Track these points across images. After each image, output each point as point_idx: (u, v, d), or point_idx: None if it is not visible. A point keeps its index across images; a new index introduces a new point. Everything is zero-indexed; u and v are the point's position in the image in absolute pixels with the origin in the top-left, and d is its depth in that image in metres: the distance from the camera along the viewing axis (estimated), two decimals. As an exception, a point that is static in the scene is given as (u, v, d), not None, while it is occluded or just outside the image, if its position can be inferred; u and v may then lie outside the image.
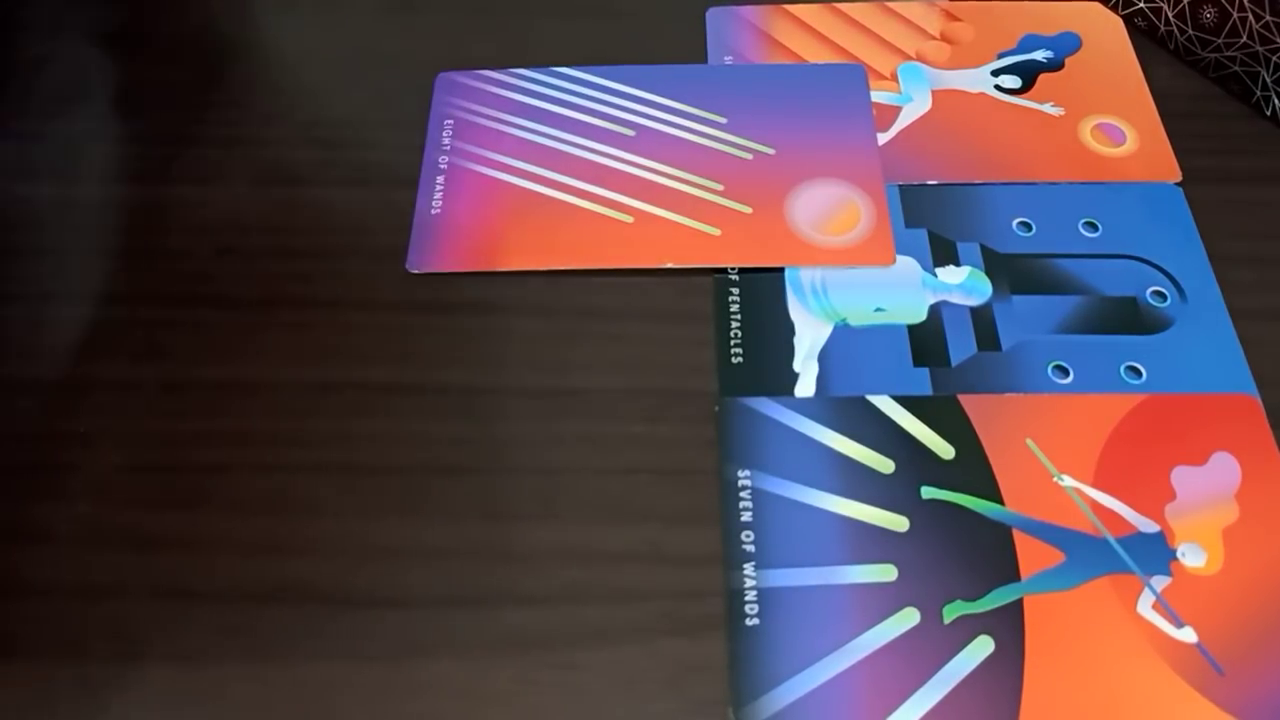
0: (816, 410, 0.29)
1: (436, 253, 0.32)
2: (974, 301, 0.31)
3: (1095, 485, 0.28)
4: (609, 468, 0.28)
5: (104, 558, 0.27)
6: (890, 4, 0.39)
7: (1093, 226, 0.33)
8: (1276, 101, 0.35)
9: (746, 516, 0.27)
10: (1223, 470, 0.28)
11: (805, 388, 0.29)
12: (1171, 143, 0.35)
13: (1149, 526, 0.27)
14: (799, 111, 0.35)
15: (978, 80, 0.36)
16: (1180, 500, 0.27)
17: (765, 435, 0.29)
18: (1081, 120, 0.35)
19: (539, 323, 0.31)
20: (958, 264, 0.32)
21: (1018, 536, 0.27)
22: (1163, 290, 0.31)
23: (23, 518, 0.28)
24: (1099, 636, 0.25)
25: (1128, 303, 0.31)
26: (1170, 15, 0.37)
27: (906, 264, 0.32)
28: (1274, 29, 0.34)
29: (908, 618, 0.26)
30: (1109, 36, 0.38)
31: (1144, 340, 0.30)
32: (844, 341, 0.30)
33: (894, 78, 0.37)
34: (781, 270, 0.32)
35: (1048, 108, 0.36)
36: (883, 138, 0.35)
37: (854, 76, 0.36)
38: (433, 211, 0.33)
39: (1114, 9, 0.38)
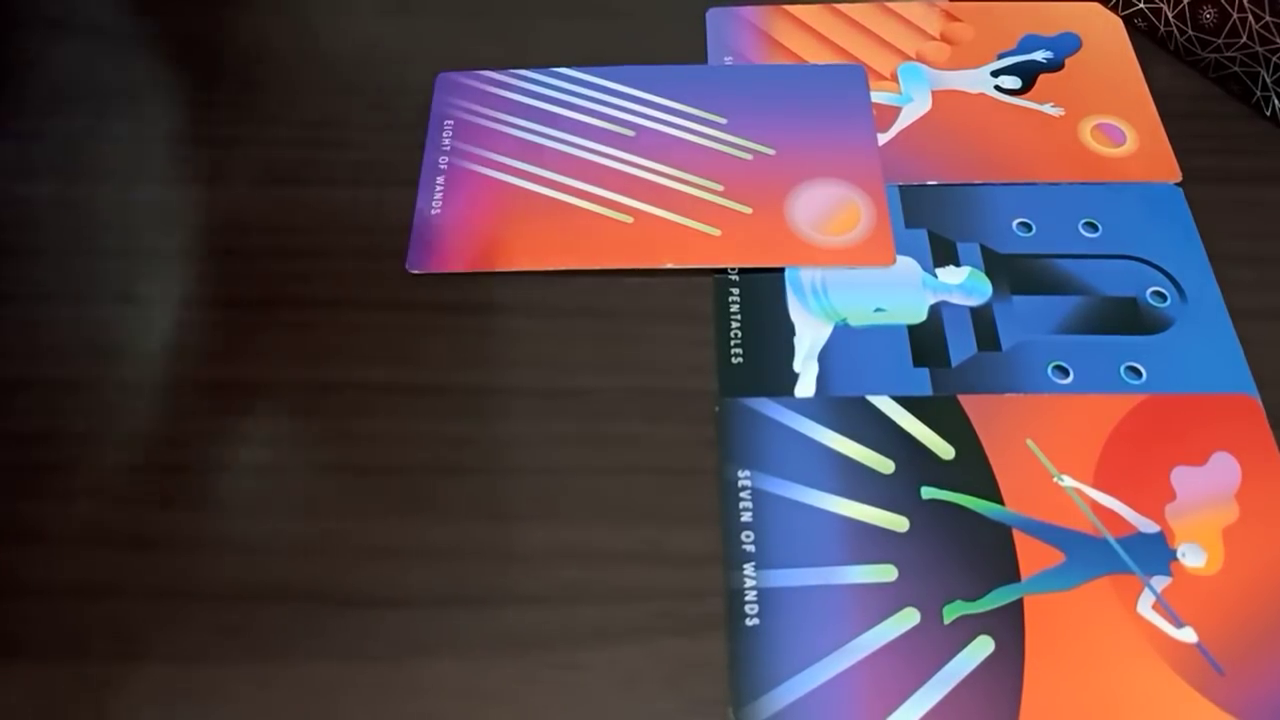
0: (816, 410, 0.29)
1: (436, 253, 0.32)
2: (974, 302, 0.31)
3: (1095, 485, 0.28)
4: (609, 468, 0.28)
5: (104, 557, 0.27)
6: (890, 4, 0.39)
7: (1093, 227, 0.33)
8: (1276, 101, 0.35)
9: (746, 516, 0.27)
10: (1223, 470, 0.28)
11: (805, 388, 0.29)
12: (1171, 143, 0.35)
13: (1149, 526, 0.27)
14: (799, 112, 0.35)
15: (978, 80, 0.36)
16: (1180, 500, 0.27)
17: (765, 435, 0.29)
18: (1081, 120, 0.35)
19: (539, 323, 0.31)
20: (958, 264, 0.32)
21: (1018, 536, 0.27)
22: (1163, 290, 0.31)
23: (23, 518, 0.28)
24: (1099, 636, 0.25)
25: (1128, 303, 0.31)
26: (1170, 15, 0.37)
27: (906, 264, 0.32)
28: (1274, 29, 0.34)
29: (908, 618, 0.26)
30: (1109, 37, 0.38)
31: (1144, 340, 0.30)
32: (844, 341, 0.30)
33: (894, 78, 0.37)
34: (781, 270, 0.32)
35: (1048, 108, 0.36)
36: (883, 138, 0.35)
37: (854, 77, 0.36)
38: (433, 211, 0.33)
39: (1114, 9, 0.38)
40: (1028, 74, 0.36)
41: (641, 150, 0.34)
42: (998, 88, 0.36)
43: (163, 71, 0.37)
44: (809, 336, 0.31)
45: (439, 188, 0.34)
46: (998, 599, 0.26)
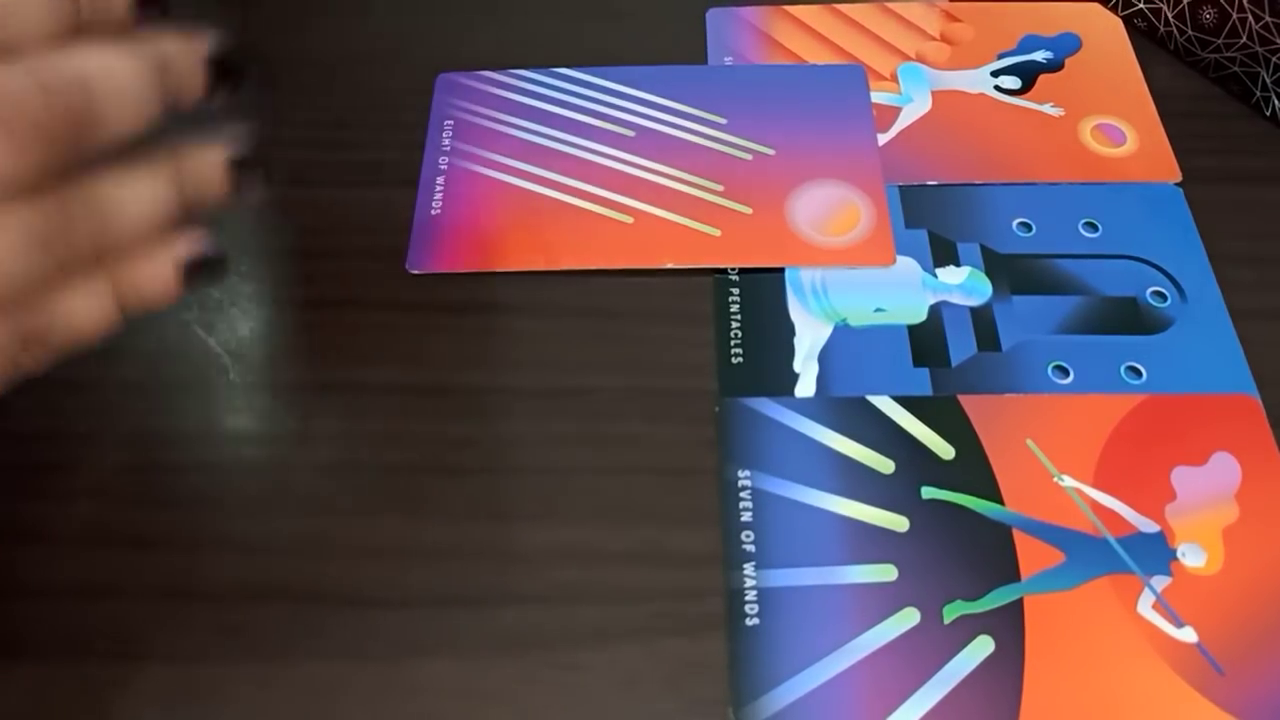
0: (816, 410, 0.29)
1: (436, 253, 0.32)
2: (974, 302, 0.31)
3: (1095, 485, 0.28)
4: (609, 468, 0.28)
5: (104, 558, 0.27)
6: (890, 4, 0.39)
7: (1093, 226, 0.33)
8: (1276, 101, 0.35)
9: (746, 516, 0.27)
10: (1223, 470, 0.28)
11: (805, 388, 0.29)
12: (1171, 143, 0.35)
13: (1149, 526, 0.27)
14: (799, 112, 0.35)
15: (978, 81, 0.36)
16: (1180, 500, 0.27)
17: (765, 435, 0.29)
18: (1081, 120, 0.35)
19: (539, 323, 0.31)
20: (958, 264, 0.32)
21: (1018, 536, 0.27)
22: (1163, 290, 0.31)
23: (23, 518, 0.28)
24: (1099, 636, 0.25)
25: (1128, 303, 0.31)
26: (1170, 16, 0.37)
27: (906, 264, 0.32)
28: (1274, 29, 0.34)
29: (908, 618, 0.26)
30: (1109, 37, 0.38)
31: (1144, 340, 0.30)
32: (844, 342, 0.30)
33: (894, 78, 0.37)
34: (781, 270, 0.32)
35: (1048, 108, 0.36)
36: (883, 138, 0.35)
37: (854, 77, 0.36)
38: (433, 211, 0.33)
39: (1114, 9, 0.38)
40: (1028, 74, 0.36)
41: (642, 150, 0.34)
42: (998, 88, 0.36)
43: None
44: (809, 336, 0.30)
45: (439, 188, 0.34)
46: (998, 599, 0.26)
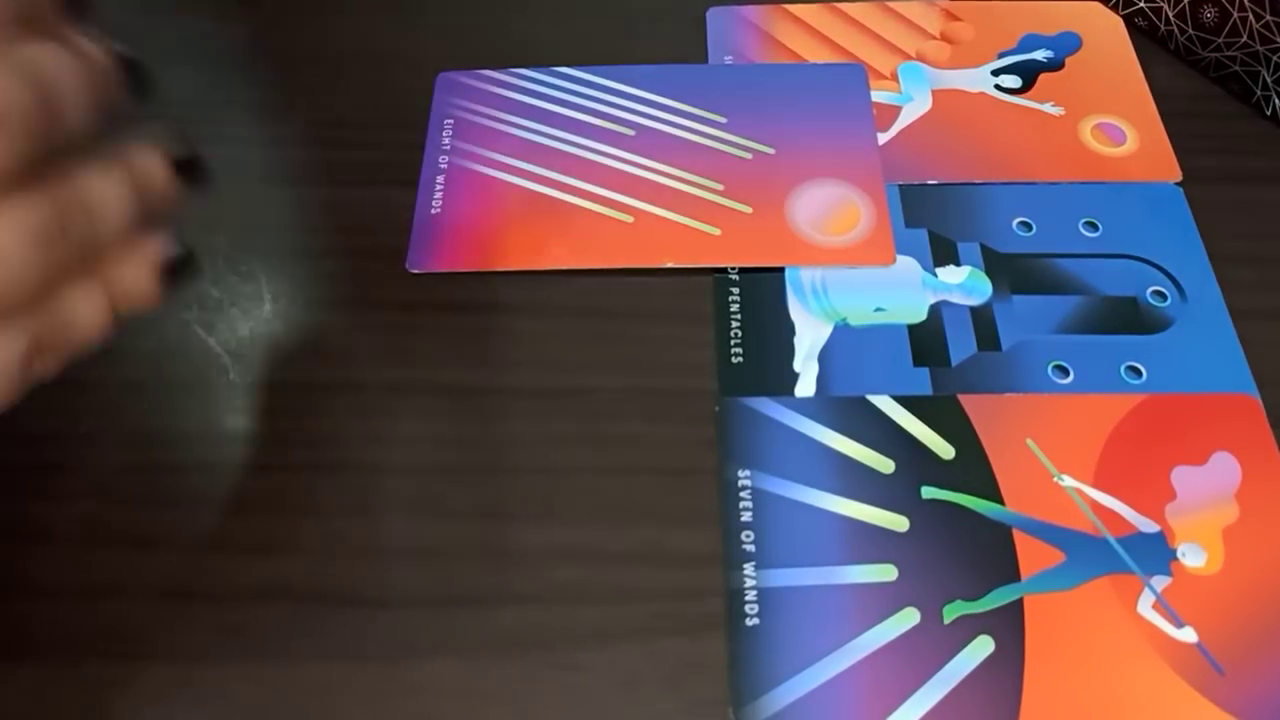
0: (816, 410, 0.29)
1: (436, 253, 0.32)
2: (974, 301, 0.31)
3: (1095, 485, 0.28)
4: (609, 468, 0.28)
5: (104, 558, 0.27)
6: (890, 4, 0.39)
7: (1093, 226, 0.33)
8: (1276, 101, 0.35)
9: (746, 516, 0.27)
10: (1223, 470, 0.28)
11: (805, 388, 0.29)
12: (1171, 143, 0.35)
13: (1149, 526, 0.27)
14: (799, 111, 0.35)
15: (978, 80, 0.36)
16: (1180, 500, 0.27)
17: (765, 435, 0.29)
18: (1081, 120, 0.35)
19: (539, 323, 0.31)
20: (958, 264, 0.32)
21: (1018, 536, 0.27)
22: (1163, 290, 0.31)
23: (23, 518, 0.28)
24: (1099, 636, 0.25)
25: (1128, 303, 0.31)
26: (1170, 15, 0.37)
27: (906, 264, 0.32)
28: (1274, 29, 0.34)
29: (908, 618, 0.26)
30: (1109, 36, 0.38)
31: (1144, 340, 0.30)
32: (844, 341, 0.30)
33: (894, 77, 0.37)
34: (781, 270, 0.32)
35: (1048, 108, 0.36)
36: (883, 138, 0.35)
37: (854, 76, 0.36)
38: (433, 211, 0.33)
39: (1114, 9, 0.38)
40: (1028, 73, 0.36)
41: (642, 150, 0.34)
42: (998, 87, 0.36)
43: (166, 73, 0.37)
44: (809, 336, 0.30)
45: (439, 188, 0.34)
46: (998, 599, 0.26)
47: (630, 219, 0.33)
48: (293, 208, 0.34)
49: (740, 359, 0.30)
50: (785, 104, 0.36)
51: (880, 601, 0.26)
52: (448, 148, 0.35)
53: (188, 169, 0.23)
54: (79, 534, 0.27)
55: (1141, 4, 0.37)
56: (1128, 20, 0.38)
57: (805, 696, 0.25)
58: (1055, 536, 0.27)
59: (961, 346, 0.30)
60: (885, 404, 0.29)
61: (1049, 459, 0.28)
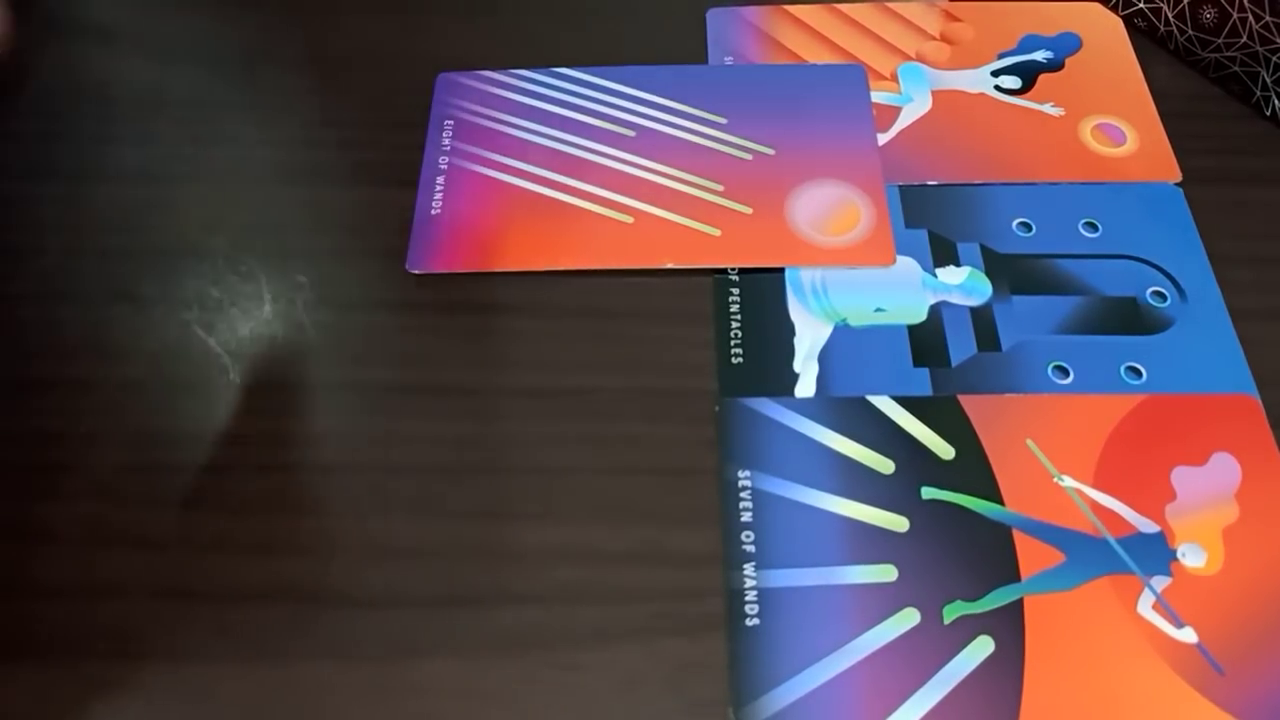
0: (816, 410, 0.29)
1: (436, 253, 0.32)
2: (974, 302, 0.31)
3: (1095, 485, 0.28)
4: (609, 468, 0.28)
5: (104, 558, 0.27)
6: (890, 4, 0.39)
7: (1093, 226, 0.33)
8: (1276, 101, 0.35)
9: (746, 516, 0.27)
10: (1223, 470, 0.28)
11: (805, 388, 0.29)
12: (1171, 143, 0.35)
13: (1149, 526, 0.27)
14: (799, 112, 0.35)
15: (978, 80, 0.36)
16: (1180, 500, 0.27)
17: (765, 435, 0.29)
18: (1081, 120, 0.35)
19: (539, 323, 0.31)
20: (958, 264, 0.32)
21: (1018, 536, 0.27)
22: (1163, 290, 0.31)
23: (23, 518, 0.28)
24: (1099, 637, 0.25)
25: (1128, 303, 0.31)
26: (1170, 15, 0.37)
27: (906, 264, 0.32)
28: (1274, 29, 0.34)
29: (908, 618, 0.26)
30: (1109, 36, 0.38)
31: (1144, 340, 0.30)
32: (844, 342, 0.30)
33: (894, 78, 0.37)
34: (781, 270, 0.32)
35: (1048, 108, 0.36)
36: (883, 138, 0.35)
37: (854, 77, 0.36)
38: (433, 211, 0.33)
39: (1114, 9, 0.38)
40: (1028, 74, 0.36)
41: (642, 150, 0.34)
42: (998, 88, 0.36)
43: (166, 73, 0.37)
44: (809, 336, 0.31)
45: (439, 188, 0.34)
46: (998, 599, 0.26)
47: (630, 220, 0.33)
48: (292, 208, 0.34)
49: (740, 359, 0.30)
50: (785, 104, 0.36)
51: (880, 602, 0.26)
52: (448, 148, 0.35)
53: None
54: (79, 534, 0.27)
55: (1141, 4, 0.37)
56: (1127, 21, 0.38)
57: (805, 697, 0.25)
58: (1055, 537, 0.27)
59: (961, 347, 0.30)
60: (885, 404, 0.29)
61: (1049, 459, 0.28)
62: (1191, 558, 0.27)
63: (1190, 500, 0.27)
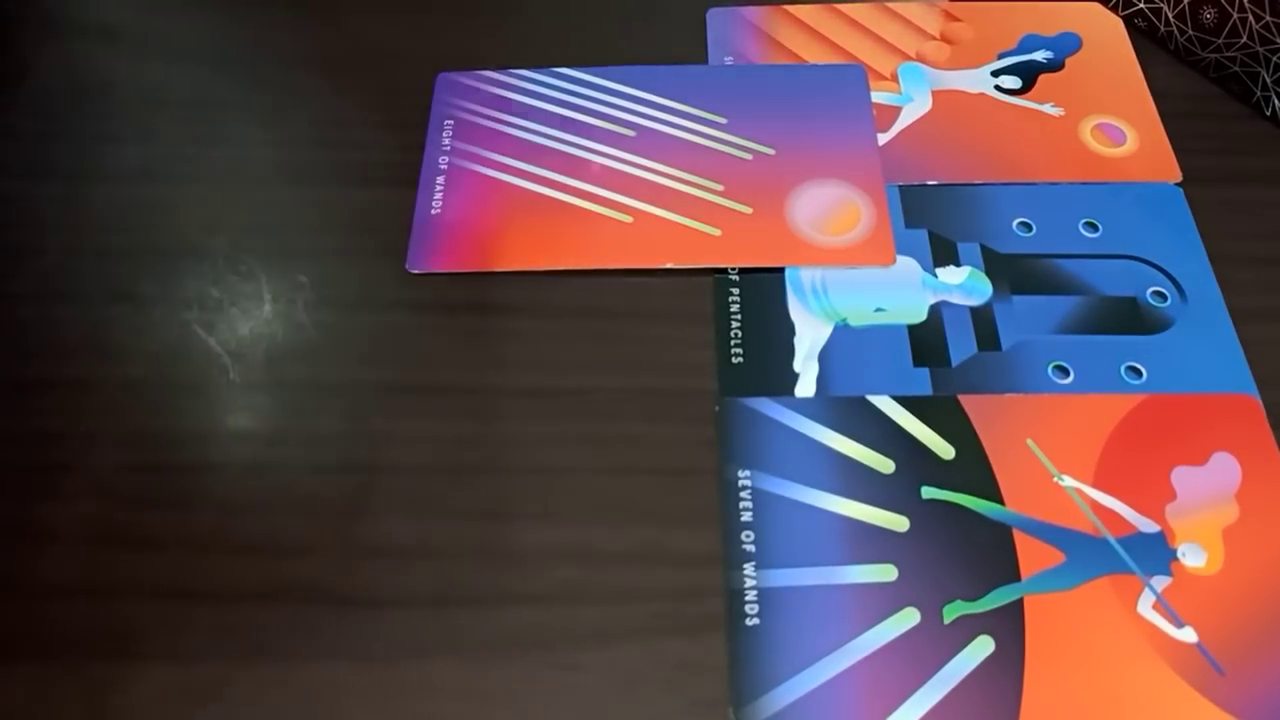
0: (816, 410, 0.29)
1: (436, 253, 0.32)
2: (974, 301, 0.31)
3: (1095, 485, 0.28)
4: (609, 468, 0.28)
5: (104, 558, 0.27)
6: (890, 4, 0.39)
7: (1093, 226, 0.33)
8: (1276, 101, 0.35)
9: (746, 516, 0.27)
10: (1223, 470, 0.28)
11: (805, 388, 0.29)
12: (1171, 143, 0.35)
13: (1149, 526, 0.27)
14: (799, 112, 0.35)
15: (978, 80, 0.36)
16: (1180, 500, 0.27)
17: (765, 435, 0.29)
18: (1081, 120, 0.35)
19: (539, 323, 0.31)
20: (958, 264, 0.32)
21: (1018, 536, 0.27)
22: (1163, 290, 0.31)
23: (23, 518, 0.28)
24: (1099, 636, 0.25)
25: (1128, 303, 0.31)
26: (1170, 15, 0.37)
27: (907, 264, 0.32)
28: (1274, 29, 0.34)
29: (908, 618, 0.26)
30: (1109, 37, 0.38)
31: (1144, 340, 0.30)
32: (844, 341, 0.30)
33: (894, 78, 0.37)
34: (781, 270, 0.32)
35: (1048, 108, 0.36)
36: (883, 138, 0.35)
37: (854, 77, 0.36)
38: (433, 211, 0.33)
39: (1114, 9, 0.38)
40: (1028, 74, 0.36)
41: (642, 150, 0.34)
42: (998, 87, 0.36)
43: (166, 73, 0.37)
44: (809, 336, 0.31)
45: (439, 188, 0.34)
46: (998, 599, 0.26)
47: (630, 219, 0.33)
48: (292, 207, 0.34)
49: (740, 359, 0.30)
50: (785, 104, 0.36)
51: (880, 601, 0.26)
52: (448, 148, 0.35)
53: None
54: (79, 534, 0.27)
55: (1141, 5, 0.37)
56: (1127, 21, 0.38)
57: (805, 696, 0.25)
58: (1055, 536, 0.27)
59: (961, 347, 0.30)
60: (885, 404, 0.29)
61: (1049, 459, 0.28)
62: (1191, 558, 0.27)
63: (1190, 500, 0.27)
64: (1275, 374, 0.29)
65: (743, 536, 0.27)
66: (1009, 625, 0.26)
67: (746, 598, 0.26)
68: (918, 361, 0.30)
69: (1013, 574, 0.26)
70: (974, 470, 0.28)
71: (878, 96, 0.36)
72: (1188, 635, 0.25)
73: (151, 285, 0.32)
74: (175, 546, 0.27)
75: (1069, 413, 0.29)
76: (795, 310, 0.31)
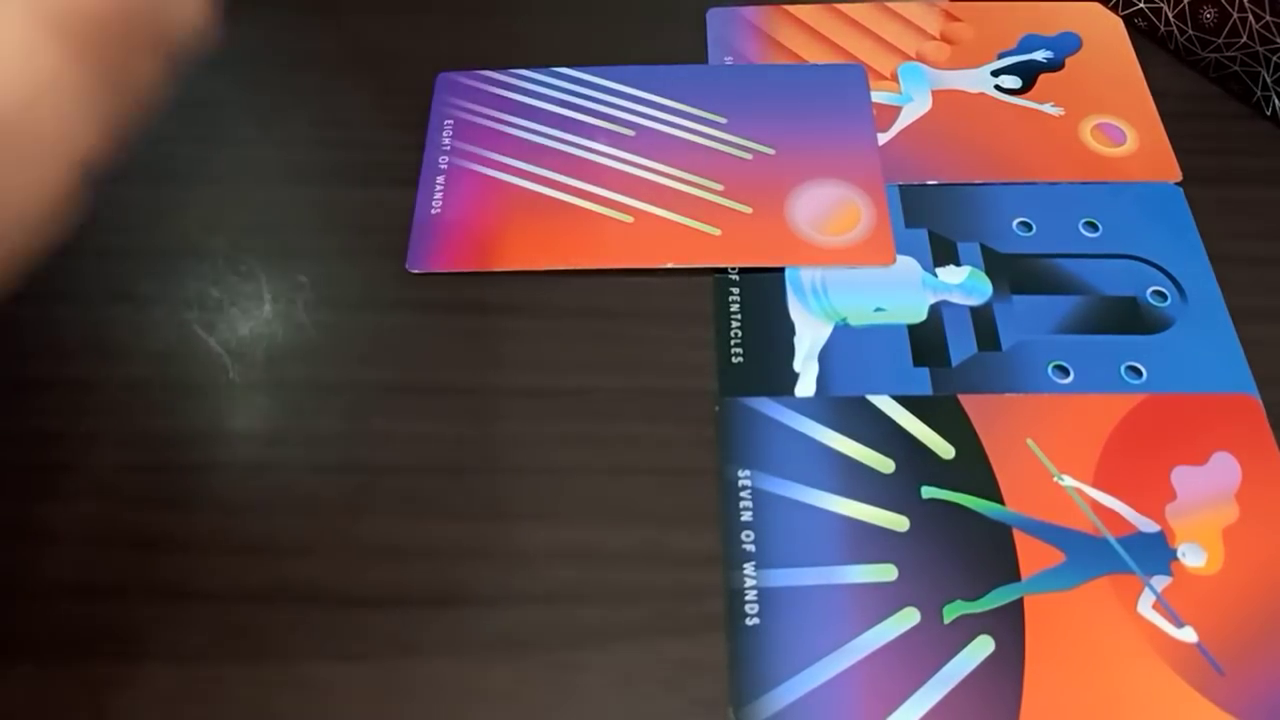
0: (816, 410, 0.29)
1: (436, 253, 0.32)
2: (974, 301, 0.31)
3: (1095, 485, 0.28)
4: (609, 468, 0.28)
5: (104, 558, 0.27)
6: (890, 4, 0.39)
7: (1093, 226, 0.33)
8: (1276, 101, 0.35)
9: (746, 516, 0.27)
10: (1223, 470, 0.28)
11: (805, 388, 0.29)
12: (1171, 143, 0.35)
13: (1149, 526, 0.27)
14: (799, 111, 0.35)
15: (978, 80, 0.36)
16: (1180, 500, 0.27)
17: (765, 435, 0.29)
18: (1081, 120, 0.35)
19: (539, 323, 0.31)
20: (958, 264, 0.32)
21: (1018, 536, 0.27)
22: (1163, 290, 0.31)
23: (24, 518, 0.28)
24: (1099, 636, 0.25)
25: (1128, 303, 0.31)
26: (1170, 15, 0.37)
27: (907, 264, 0.32)
28: (1274, 29, 0.34)
29: (908, 618, 0.26)
30: (1109, 36, 0.38)
31: (1144, 340, 0.30)
32: (844, 341, 0.30)
33: (894, 78, 0.37)
34: (781, 270, 0.32)
35: (1048, 108, 0.36)
36: (883, 138, 0.35)
37: (854, 76, 0.36)
38: (433, 211, 0.33)
39: (1114, 9, 0.38)
40: (1028, 74, 0.36)
41: (642, 150, 0.34)
42: (998, 87, 0.36)
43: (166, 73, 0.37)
44: (809, 336, 0.30)
45: (439, 188, 0.34)
46: (998, 599, 0.26)
47: (630, 219, 0.33)
48: (292, 207, 0.34)
49: (740, 359, 0.30)
50: (785, 104, 0.36)
51: (880, 601, 0.26)
52: (448, 148, 0.35)
53: None
54: (79, 533, 0.27)
55: (1141, 4, 0.37)
56: (1127, 21, 0.38)
57: (805, 696, 0.25)
58: (1055, 536, 0.27)
59: (961, 346, 0.30)
60: (885, 404, 0.29)
61: (1049, 459, 0.28)
62: (1191, 557, 0.27)
63: (1190, 500, 0.27)
64: (1275, 374, 0.29)
65: (743, 536, 0.27)
66: (1009, 625, 0.26)
67: (746, 598, 0.26)
68: (918, 361, 0.30)
69: (1013, 574, 0.26)
70: (974, 470, 0.28)
71: (878, 96, 0.36)
72: (1188, 635, 0.25)
73: (151, 285, 0.32)
74: (175, 546, 0.27)
75: (1069, 412, 0.29)
76: (795, 310, 0.31)
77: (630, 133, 0.35)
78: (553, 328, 0.31)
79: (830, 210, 0.33)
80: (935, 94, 0.36)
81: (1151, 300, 0.31)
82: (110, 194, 0.34)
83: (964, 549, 0.27)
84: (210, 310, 0.31)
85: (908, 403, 0.29)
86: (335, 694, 0.25)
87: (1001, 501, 0.27)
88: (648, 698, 0.25)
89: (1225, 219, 0.33)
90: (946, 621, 0.26)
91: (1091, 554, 0.27)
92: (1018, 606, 0.26)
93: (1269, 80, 0.35)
